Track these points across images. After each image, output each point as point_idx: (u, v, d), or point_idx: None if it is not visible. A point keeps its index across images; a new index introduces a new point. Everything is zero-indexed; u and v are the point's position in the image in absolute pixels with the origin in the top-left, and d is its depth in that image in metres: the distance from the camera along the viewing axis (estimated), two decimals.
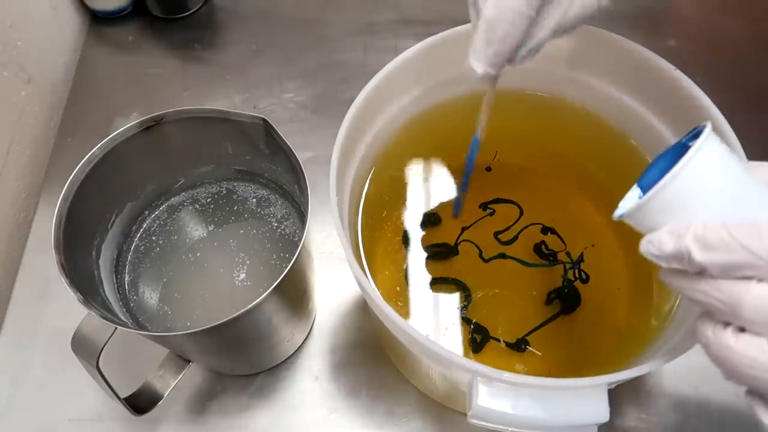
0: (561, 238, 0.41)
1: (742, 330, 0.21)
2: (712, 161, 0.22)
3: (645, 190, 0.25)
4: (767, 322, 0.20)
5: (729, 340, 0.21)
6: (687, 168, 0.21)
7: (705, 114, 0.34)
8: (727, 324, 0.21)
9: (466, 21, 0.37)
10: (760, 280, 0.20)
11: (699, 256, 0.20)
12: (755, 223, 0.20)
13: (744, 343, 0.20)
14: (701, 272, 0.21)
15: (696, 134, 0.24)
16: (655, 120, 0.38)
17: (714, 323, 0.21)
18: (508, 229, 0.42)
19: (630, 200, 0.25)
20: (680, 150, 0.24)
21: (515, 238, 0.42)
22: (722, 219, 0.21)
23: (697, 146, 0.21)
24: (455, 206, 0.42)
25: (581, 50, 0.39)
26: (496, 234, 0.41)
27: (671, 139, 0.37)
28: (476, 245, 0.41)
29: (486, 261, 0.40)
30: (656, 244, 0.22)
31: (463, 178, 0.39)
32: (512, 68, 0.40)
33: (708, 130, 0.22)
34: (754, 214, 0.21)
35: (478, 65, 0.28)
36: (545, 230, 0.42)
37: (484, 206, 0.43)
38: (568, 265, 0.41)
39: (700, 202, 0.21)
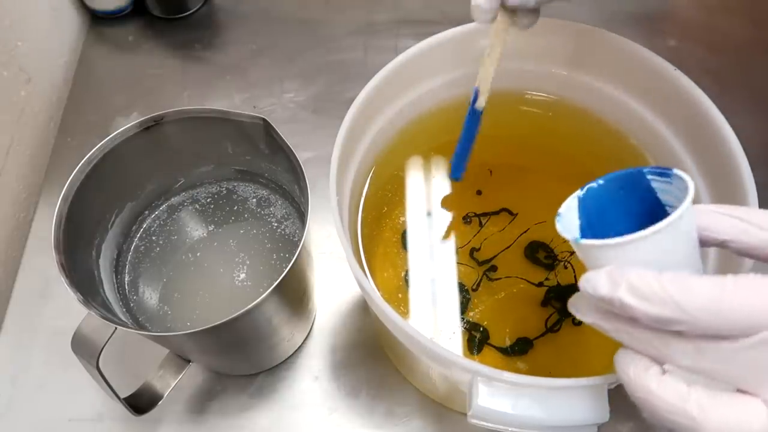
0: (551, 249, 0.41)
1: (662, 372, 0.21)
2: (682, 226, 0.22)
3: (587, 211, 0.25)
4: (692, 368, 0.21)
5: (651, 383, 0.21)
6: (663, 231, 0.21)
7: (705, 114, 0.34)
8: (648, 366, 0.22)
9: (466, 21, 0.37)
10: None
11: (632, 302, 0.20)
12: (684, 276, 0.20)
13: (665, 388, 0.21)
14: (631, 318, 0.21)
15: (662, 173, 0.24)
16: (655, 120, 0.38)
17: (635, 364, 0.22)
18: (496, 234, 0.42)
19: (570, 209, 0.25)
20: (635, 180, 0.24)
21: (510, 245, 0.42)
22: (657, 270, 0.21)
23: (680, 213, 0.21)
24: (453, 167, 0.39)
25: (581, 50, 0.39)
26: (472, 252, 0.41)
27: (671, 138, 0.37)
28: (482, 261, 0.41)
29: (474, 290, 0.40)
30: (592, 283, 0.22)
31: (462, 132, 0.37)
32: (512, 69, 0.41)
33: (691, 192, 0.22)
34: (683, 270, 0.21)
35: None
36: (536, 246, 0.41)
37: (481, 215, 0.43)
38: (559, 266, 0.41)
39: (651, 259, 0.21)
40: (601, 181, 0.26)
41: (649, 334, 0.21)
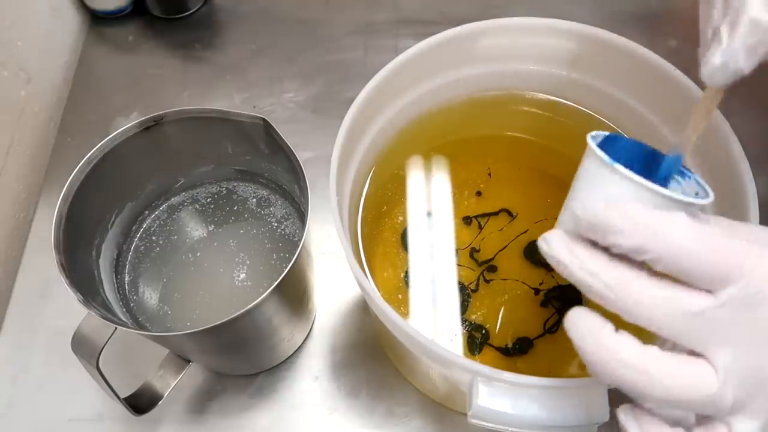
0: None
1: (615, 330, 0.22)
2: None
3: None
4: (648, 323, 0.21)
5: (606, 339, 0.21)
6: (690, 204, 0.22)
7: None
8: (603, 324, 0.22)
9: (466, 21, 0.37)
10: (649, 273, 0.21)
11: (617, 221, 0.21)
12: (676, 212, 0.21)
13: (621, 344, 0.21)
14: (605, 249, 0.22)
15: (682, 173, 0.25)
16: (655, 120, 0.38)
17: (591, 321, 0.22)
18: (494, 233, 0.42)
19: (596, 138, 0.25)
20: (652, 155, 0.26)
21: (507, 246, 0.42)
22: None
23: (704, 203, 0.23)
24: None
25: (582, 51, 0.39)
26: (472, 252, 0.41)
27: (671, 137, 0.37)
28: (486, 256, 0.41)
29: (474, 290, 0.40)
30: (590, 207, 0.22)
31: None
32: (512, 69, 0.41)
33: (711, 197, 0.24)
34: None
35: (737, 63, 0.23)
36: (536, 247, 0.41)
37: (480, 216, 0.43)
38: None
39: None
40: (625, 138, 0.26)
41: (614, 274, 0.21)
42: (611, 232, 0.21)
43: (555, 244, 0.23)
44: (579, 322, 0.22)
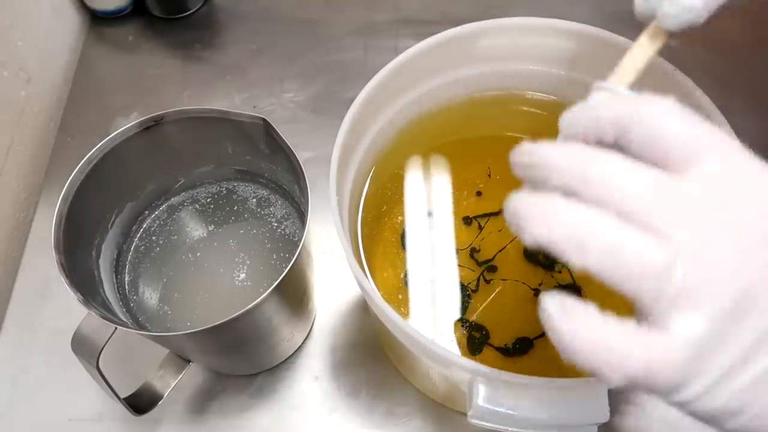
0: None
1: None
2: None
3: None
4: (605, 195, 0.20)
5: (556, 206, 0.20)
6: None
7: (704, 114, 0.34)
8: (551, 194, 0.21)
9: (466, 21, 0.37)
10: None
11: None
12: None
13: (572, 209, 0.20)
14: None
15: None
16: None
17: (541, 194, 0.21)
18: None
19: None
20: None
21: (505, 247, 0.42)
22: None
23: None
24: None
25: (582, 51, 0.39)
26: (472, 252, 0.41)
27: None
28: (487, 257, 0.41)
29: (474, 290, 0.40)
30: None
31: None
32: (512, 69, 0.41)
33: None
34: None
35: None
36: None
37: (480, 216, 0.43)
38: (559, 266, 0.41)
39: None
40: None
41: (582, 149, 0.21)
42: (589, 107, 0.21)
43: (524, 144, 0.23)
44: (526, 196, 0.22)
